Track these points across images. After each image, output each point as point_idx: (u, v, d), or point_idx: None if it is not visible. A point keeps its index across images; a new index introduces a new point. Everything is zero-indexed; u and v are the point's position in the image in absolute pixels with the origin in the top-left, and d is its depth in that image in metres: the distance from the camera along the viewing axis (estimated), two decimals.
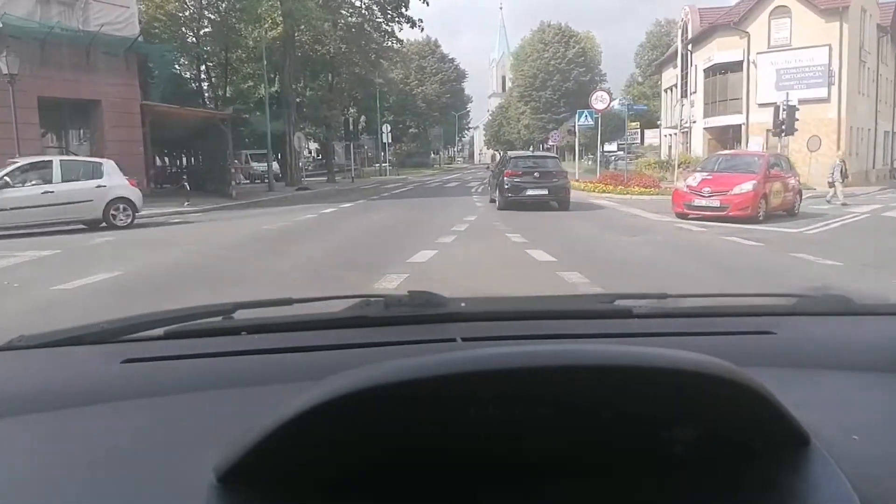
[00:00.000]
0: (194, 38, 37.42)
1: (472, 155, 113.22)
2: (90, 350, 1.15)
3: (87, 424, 0.84)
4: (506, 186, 15.83)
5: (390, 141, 46.51)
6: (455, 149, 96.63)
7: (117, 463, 0.70)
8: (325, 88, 37.18)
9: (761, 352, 1.13)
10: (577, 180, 25.65)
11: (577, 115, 29.26)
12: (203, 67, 39.93)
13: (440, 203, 19.97)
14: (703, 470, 0.63)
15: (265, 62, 28.30)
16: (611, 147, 49.65)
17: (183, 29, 35.99)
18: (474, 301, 1.49)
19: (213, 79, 41.31)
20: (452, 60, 77.14)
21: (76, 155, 22.78)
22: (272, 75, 33.79)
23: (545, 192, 15.80)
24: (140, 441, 0.76)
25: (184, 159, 37.78)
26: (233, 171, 22.44)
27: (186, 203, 18.79)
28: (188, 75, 40.55)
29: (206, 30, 36.73)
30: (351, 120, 50.38)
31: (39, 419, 0.85)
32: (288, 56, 30.94)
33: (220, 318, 1.28)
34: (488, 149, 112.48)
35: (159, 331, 1.20)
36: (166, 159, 44.36)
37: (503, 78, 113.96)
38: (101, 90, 19.41)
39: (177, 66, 40.27)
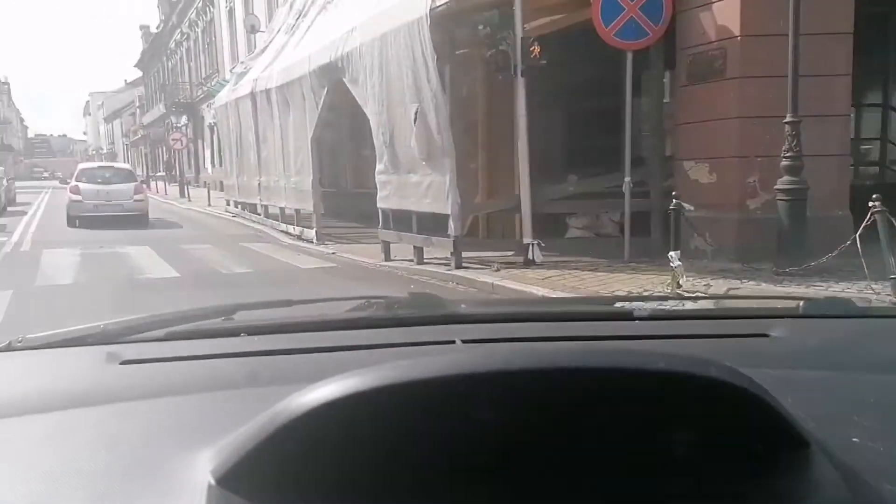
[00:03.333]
0: None
1: None
2: (90, 351, 1.17)
3: (86, 425, 0.85)
4: None
5: None
6: None
7: (116, 464, 0.71)
8: None
9: (762, 354, 1.13)
10: None
11: None
12: None
13: None
14: (703, 473, 0.63)
15: None
16: None
17: None
18: (474, 303, 1.56)
19: None
20: None
21: None
22: None
23: None
24: (138, 442, 0.77)
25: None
26: None
27: None
28: None
29: None
30: None
31: (38, 420, 0.86)
32: None
33: (220, 320, 1.33)
34: None
35: (159, 332, 1.23)
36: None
37: None
38: None
39: None
